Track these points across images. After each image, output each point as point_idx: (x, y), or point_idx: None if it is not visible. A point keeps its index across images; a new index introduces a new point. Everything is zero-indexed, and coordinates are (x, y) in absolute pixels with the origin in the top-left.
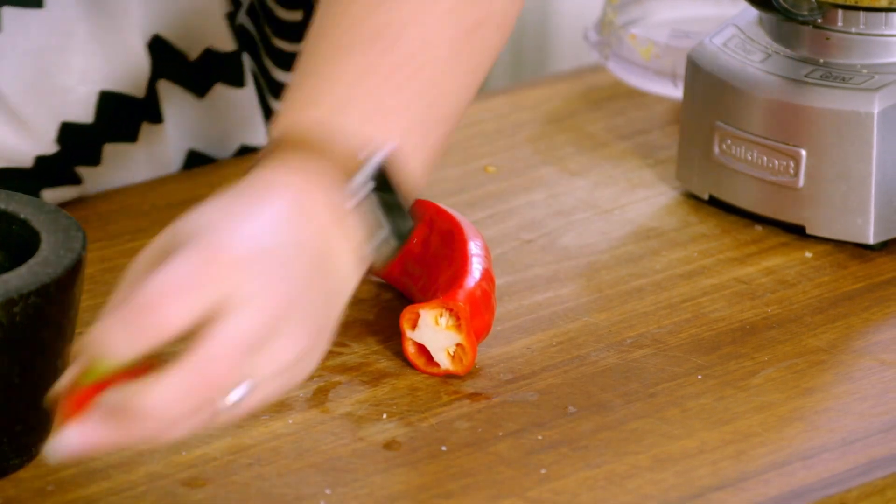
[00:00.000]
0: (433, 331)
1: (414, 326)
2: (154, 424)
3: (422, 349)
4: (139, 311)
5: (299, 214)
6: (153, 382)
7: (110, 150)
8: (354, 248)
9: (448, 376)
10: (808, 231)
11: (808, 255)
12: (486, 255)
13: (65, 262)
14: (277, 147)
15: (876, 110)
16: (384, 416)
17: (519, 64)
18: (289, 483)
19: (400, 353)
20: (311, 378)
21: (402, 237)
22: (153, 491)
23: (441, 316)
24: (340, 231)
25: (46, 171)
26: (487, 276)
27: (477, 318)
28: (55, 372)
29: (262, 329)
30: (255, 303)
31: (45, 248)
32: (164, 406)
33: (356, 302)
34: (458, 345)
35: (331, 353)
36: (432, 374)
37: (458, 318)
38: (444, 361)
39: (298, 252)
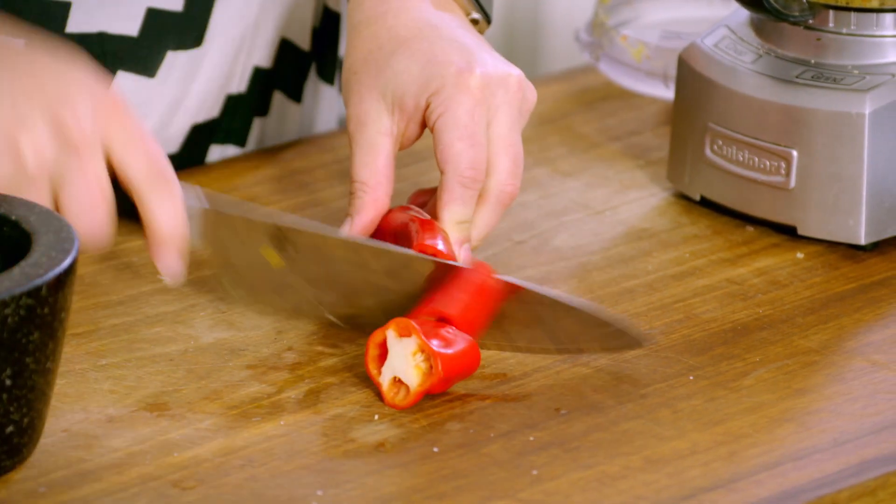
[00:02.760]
0: (399, 353)
1: (381, 363)
2: None
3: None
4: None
5: None
6: None
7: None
8: None
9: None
10: (800, 232)
11: (800, 255)
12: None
13: (57, 263)
14: None
15: (867, 111)
16: (376, 417)
17: None
18: (281, 484)
19: None
20: (302, 380)
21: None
22: (145, 493)
23: (400, 337)
24: None
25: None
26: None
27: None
28: (46, 373)
29: None
30: None
31: (37, 250)
32: None
33: None
34: (423, 354)
35: (322, 355)
36: (414, 402)
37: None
38: (415, 379)
39: None
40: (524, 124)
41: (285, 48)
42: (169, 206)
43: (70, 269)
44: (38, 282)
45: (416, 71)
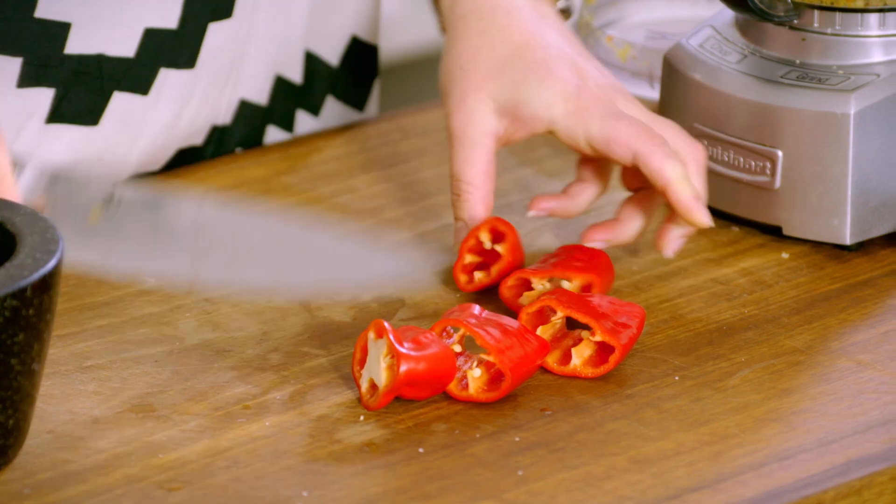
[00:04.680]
0: (374, 355)
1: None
2: None
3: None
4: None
5: None
6: None
7: None
8: None
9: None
10: (785, 232)
11: (785, 255)
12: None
13: (42, 264)
14: None
15: (852, 111)
16: (361, 418)
17: None
18: (266, 485)
19: None
20: (288, 381)
21: None
22: (130, 494)
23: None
24: None
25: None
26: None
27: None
28: (32, 375)
29: None
30: None
31: (22, 251)
32: None
33: (332, 304)
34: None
35: (308, 356)
36: (382, 403)
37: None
38: (384, 380)
39: None
40: None
41: (278, 84)
42: None
43: (55, 271)
44: (23, 283)
45: (535, 85)
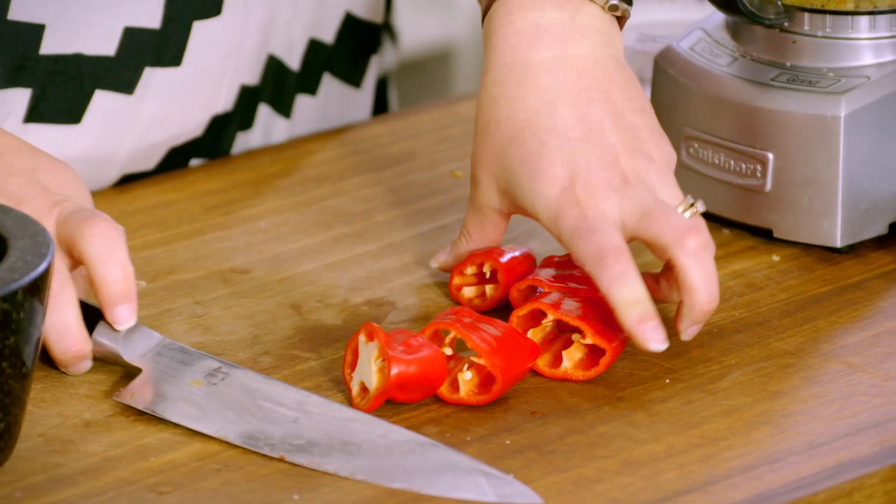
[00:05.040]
0: (364, 358)
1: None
2: None
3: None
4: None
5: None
6: None
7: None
8: None
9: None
10: (776, 234)
11: (776, 258)
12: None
13: (32, 267)
14: None
15: (842, 114)
16: None
17: None
18: (256, 488)
19: None
20: None
21: None
22: (121, 497)
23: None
24: None
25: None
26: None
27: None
28: (23, 378)
29: None
30: None
31: (12, 254)
32: None
33: (323, 307)
34: (382, 357)
35: (298, 359)
36: (373, 406)
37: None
38: (374, 382)
39: None
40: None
41: (272, 65)
42: (114, 264)
43: (46, 274)
44: (14, 286)
45: (524, 181)
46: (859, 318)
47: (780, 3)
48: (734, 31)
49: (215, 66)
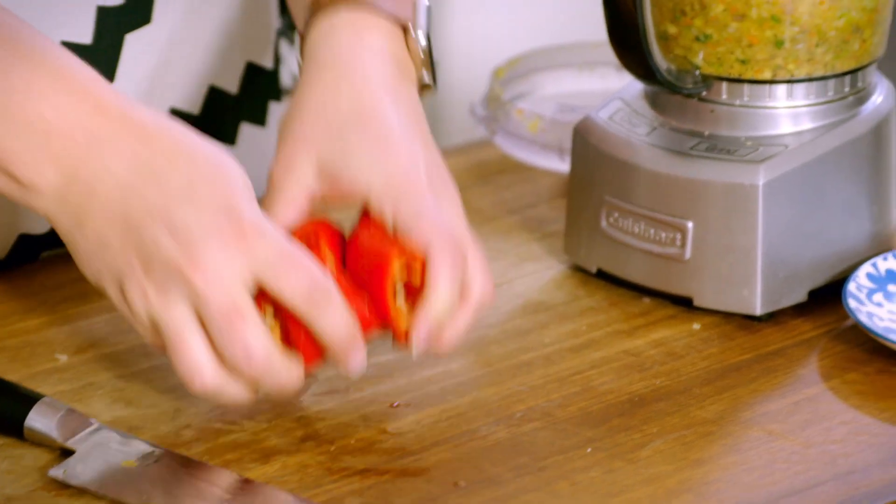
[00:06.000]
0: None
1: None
2: None
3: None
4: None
5: None
6: None
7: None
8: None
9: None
10: (696, 303)
11: (696, 326)
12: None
13: None
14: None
15: (761, 182)
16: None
17: None
18: None
19: (290, 430)
20: (202, 458)
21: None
22: None
23: None
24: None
25: None
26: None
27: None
28: None
29: None
30: None
31: None
32: None
33: None
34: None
35: (221, 432)
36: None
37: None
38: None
39: None
40: None
41: (212, 93)
42: (336, 318)
43: None
44: None
45: (365, 154)
46: (779, 385)
47: (697, 72)
48: (653, 101)
49: (142, 84)
